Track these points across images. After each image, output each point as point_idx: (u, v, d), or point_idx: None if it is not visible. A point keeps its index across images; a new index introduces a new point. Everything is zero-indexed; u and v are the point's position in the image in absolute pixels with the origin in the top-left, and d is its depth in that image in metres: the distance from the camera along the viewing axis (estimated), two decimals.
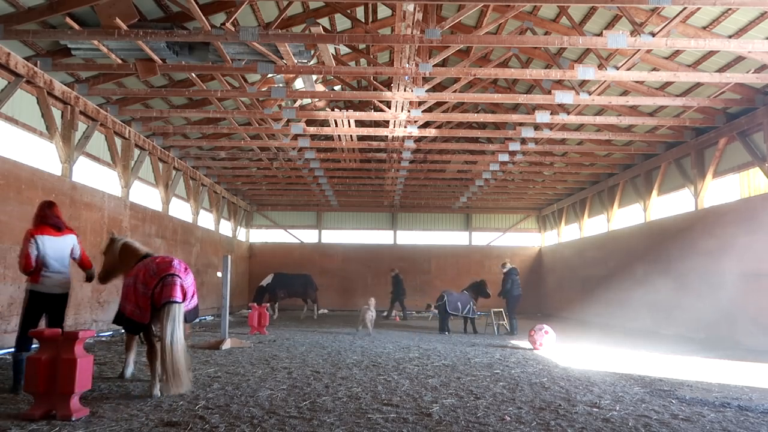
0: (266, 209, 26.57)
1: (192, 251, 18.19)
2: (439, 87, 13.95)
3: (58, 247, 5.96)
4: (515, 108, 15.47)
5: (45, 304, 5.91)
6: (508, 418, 4.94)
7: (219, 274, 11.17)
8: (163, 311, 5.61)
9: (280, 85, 12.34)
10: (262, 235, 26.58)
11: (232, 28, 8.85)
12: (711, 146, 13.46)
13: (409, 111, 13.04)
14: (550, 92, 12.11)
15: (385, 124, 14.77)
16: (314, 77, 12.27)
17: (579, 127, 15.01)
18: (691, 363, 8.91)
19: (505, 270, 14.27)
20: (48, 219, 5.98)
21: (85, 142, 11.99)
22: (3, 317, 8.97)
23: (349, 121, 13.85)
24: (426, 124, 15.26)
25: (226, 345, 9.94)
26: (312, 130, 14.29)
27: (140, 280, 5.82)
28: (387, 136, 15.30)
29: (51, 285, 5.92)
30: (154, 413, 4.90)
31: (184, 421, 4.62)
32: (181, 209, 18.11)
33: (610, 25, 10.67)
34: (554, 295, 23.66)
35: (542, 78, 11.68)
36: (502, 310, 14.55)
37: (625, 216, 18.56)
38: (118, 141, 13.65)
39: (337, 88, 14.87)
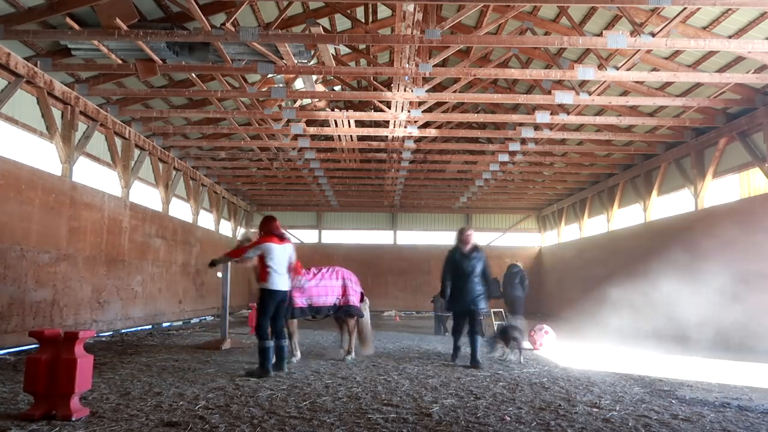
0: (266, 209, 26.56)
1: (192, 251, 18.20)
2: (439, 87, 13.95)
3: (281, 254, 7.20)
4: (515, 108, 15.47)
5: (274, 300, 7.13)
6: (508, 418, 4.94)
7: (219, 274, 11.16)
8: None
9: (280, 85, 12.34)
10: None
11: (232, 29, 8.85)
12: (711, 146, 13.46)
13: (409, 111, 13.04)
14: (550, 92, 12.11)
15: (385, 124, 14.77)
16: (314, 77, 12.26)
17: (579, 128, 15.01)
18: (691, 363, 8.91)
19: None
20: (274, 230, 7.24)
21: (85, 142, 11.99)
22: (3, 317, 8.97)
23: (349, 121, 13.85)
24: (426, 125, 15.26)
25: (226, 345, 9.95)
26: (312, 130, 14.29)
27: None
28: (387, 137, 15.30)
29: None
30: (154, 413, 4.90)
31: (184, 421, 4.62)
32: (181, 209, 18.11)
33: (610, 25, 10.67)
34: (554, 295, 23.66)
35: (542, 78, 11.69)
36: (501, 310, 14.33)
37: (625, 216, 18.56)
38: (118, 141, 13.66)
39: (337, 88, 14.87)
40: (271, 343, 6.99)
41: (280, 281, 7.07)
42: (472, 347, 8.01)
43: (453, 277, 8.28)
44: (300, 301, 8.04)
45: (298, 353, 8.31)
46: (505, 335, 9.08)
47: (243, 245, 7.74)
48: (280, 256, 7.09)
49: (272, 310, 7.06)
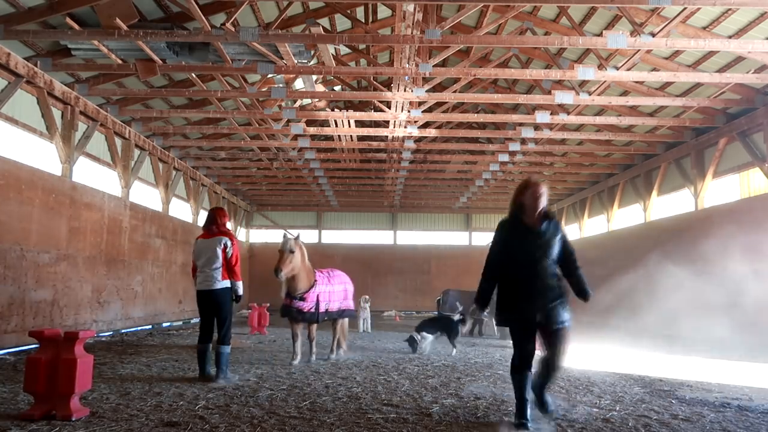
0: (266, 209, 26.57)
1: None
2: (439, 87, 13.96)
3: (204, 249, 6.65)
4: (515, 108, 15.47)
5: (200, 300, 6.67)
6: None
7: None
8: None
9: (280, 85, 12.34)
10: (262, 236, 26.61)
11: (232, 29, 8.85)
12: (711, 146, 13.46)
13: (409, 111, 13.04)
14: (550, 92, 12.12)
15: (385, 124, 14.77)
16: (314, 77, 12.27)
17: (579, 128, 15.01)
18: (691, 363, 8.90)
19: None
20: (205, 224, 6.78)
21: (85, 142, 11.99)
22: (3, 317, 8.97)
23: (349, 121, 13.85)
24: (426, 125, 15.26)
25: None
26: (312, 130, 14.29)
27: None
28: (387, 137, 15.30)
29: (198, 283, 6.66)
30: (154, 413, 4.90)
31: (184, 421, 4.62)
32: (181, 209, 18.11)
33: (610, 25, 10.67)
34: None
35: (542, 78, 11.69)
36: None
37: (625, 216, 18.56)
38: (118, 141, 13.66)
39: (337, 88, 14.87)
40: (205, 347, 6.60)
41: (201, 280, 6.56)
42: (542, 382, 4.76)
43: (508, 268, 4.67)
44: (322, 306, 8.09)
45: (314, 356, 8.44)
46: (429, 329, 9.70)
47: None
48: (202, 251, 6.59)
49: (203, 312, 6.66)
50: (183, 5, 8.91)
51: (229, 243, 6.59)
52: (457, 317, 10.11)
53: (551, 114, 13.01)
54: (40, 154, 10.91)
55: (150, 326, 14.47)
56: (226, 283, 6.58)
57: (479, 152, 17.88)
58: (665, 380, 7.16)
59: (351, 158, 17.54)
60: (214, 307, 6.58)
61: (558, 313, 4.59)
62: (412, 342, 9.73)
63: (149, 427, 4.47)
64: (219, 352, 6.51)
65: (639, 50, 9.82)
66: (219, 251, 6.51)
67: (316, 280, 8.12)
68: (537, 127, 14.22)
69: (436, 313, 13.90)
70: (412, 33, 8.96)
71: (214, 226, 6.67)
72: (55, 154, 11.17)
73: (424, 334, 9.70)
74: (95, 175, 12.97)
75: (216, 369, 6.48)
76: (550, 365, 4.70)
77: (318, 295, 8.04)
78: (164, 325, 15.37)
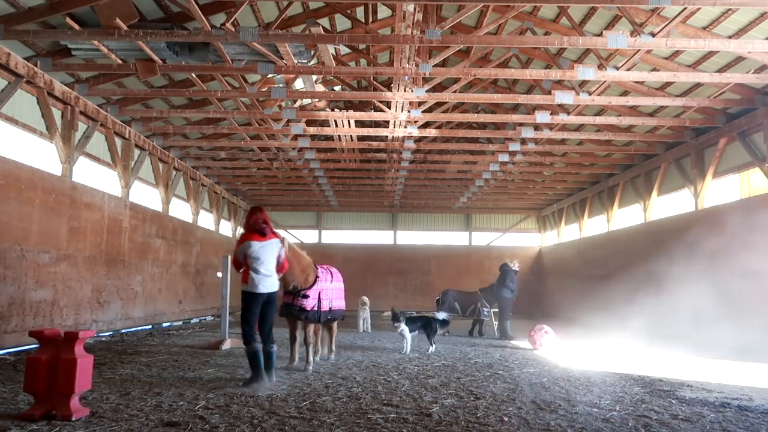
0: (266, 209, 26.44)
1: (192, 251, 18.20)
2: (439, 87, 13.94)
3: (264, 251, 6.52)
4: (515, 108, 15.47)
5: (258, 302, 6.50)
6: (507, 419, 4.94)
7: (219, 274, 11.17)
8: None
9: (280, 85, 12.34)
10: None
11: (232, 29, 8.85)
12: (711, 146, 13.46)
13: (409, 111, 13.04)
14: (550, 92, 12.11)
15: (385, 124, 14.77)
16: (314, 77, 12.26)
17: (579, 128, 15.01)
18: (691, 363, 8.91)
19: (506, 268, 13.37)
20: (255, 226, 6.54)
21: (85, 142, 11.99)
22: (3, 317, 8.97)
23: (349, 121, 13.85)
24: (426, 125, 15.25)
25: (226, 345, 9.94)
26: (312, 130, 14.29)
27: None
28: (387, 137, 15.30)
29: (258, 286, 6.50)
30: (154, 413, 4.90)
31: (184, 421, 4.62)
32: (181, 209, 18.11)
33: (610, 26, 10.67)
34: (554, 295, 23.65)
35: (542, 78, 11.69)
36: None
37: (625, 216, 18.56)
38: (118, 141, 13.65)
39: (337, 88, 14.87)
40: (259, 347, 6.37)
41: (263, 282, 6.45)
42: None
43: None
44: (324, 305, 7.77)
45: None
46: (410, 326, 9.96)
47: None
48: (262, 254, 6.44)
49: (256, 314, 6.48)
50: (183, 5, 8.91)
51: (282, 248, 6.69)
52: (442, 317, 10.56)
53: (551, 114, 13.01)
54: (40, 154, 10.91)
55: (150, 326, 14.47)
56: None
57: (479, 152, 17.86)
58: (665, 380, 7.16)
59: (351, 158, 17.54)
60: (271, 308, 6.61)
61: None
62: (395, 317, 9.88)
63: (149, 427, 4.47)
64: (272, 351, 6.52)
65: (639, 50, 9.82)
66: (276, 254, 6.59)
67: (318, 277, 7.77)
68: (537, 127, 14.22)
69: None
70: (412, 33, 8.96)
71: (267, 228, 6.64)
72: (55, 154, 11.17)
73: (406, 331, 9.89)
74: (95, 175, 12.97)
75: (268, 369, 6.41)
76: None
77: (320, 293, 7.69)
78: (164, 325, 15.37)
